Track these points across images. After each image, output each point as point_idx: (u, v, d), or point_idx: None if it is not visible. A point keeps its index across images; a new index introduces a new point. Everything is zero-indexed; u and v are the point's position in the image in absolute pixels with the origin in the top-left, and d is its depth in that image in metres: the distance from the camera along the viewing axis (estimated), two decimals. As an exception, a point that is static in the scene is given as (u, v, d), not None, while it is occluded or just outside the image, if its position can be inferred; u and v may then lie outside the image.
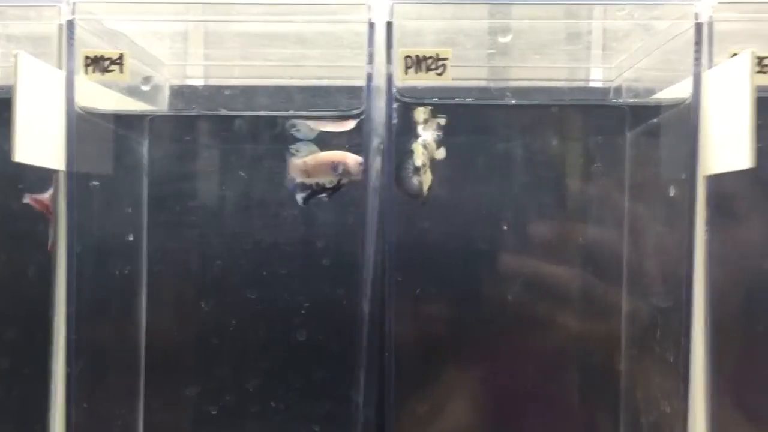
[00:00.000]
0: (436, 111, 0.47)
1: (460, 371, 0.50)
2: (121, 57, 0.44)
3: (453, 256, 0.50)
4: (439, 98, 0.45)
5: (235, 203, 0.53)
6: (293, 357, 0.50)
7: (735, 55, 0.39)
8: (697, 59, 0.43)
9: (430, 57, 0.43)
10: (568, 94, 0.58)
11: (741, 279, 0.47)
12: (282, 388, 0.50)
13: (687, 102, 0.43)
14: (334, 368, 0.47)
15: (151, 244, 0.54)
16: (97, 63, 0.44)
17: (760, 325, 0.47)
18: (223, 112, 0.54)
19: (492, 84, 0.57)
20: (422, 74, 0.43)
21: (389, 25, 0.43)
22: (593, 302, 0.52)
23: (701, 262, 0.42)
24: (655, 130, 0.49)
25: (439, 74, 0.43)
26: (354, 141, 0.47)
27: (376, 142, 0.45)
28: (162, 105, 0.58)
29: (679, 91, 0.45)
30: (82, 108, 0.45)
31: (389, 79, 0.43)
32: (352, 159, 0.47)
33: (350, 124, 0.47)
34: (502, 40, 0.46)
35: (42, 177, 0.46)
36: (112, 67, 0.44)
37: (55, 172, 0.44)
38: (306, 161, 0.49)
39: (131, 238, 0.52)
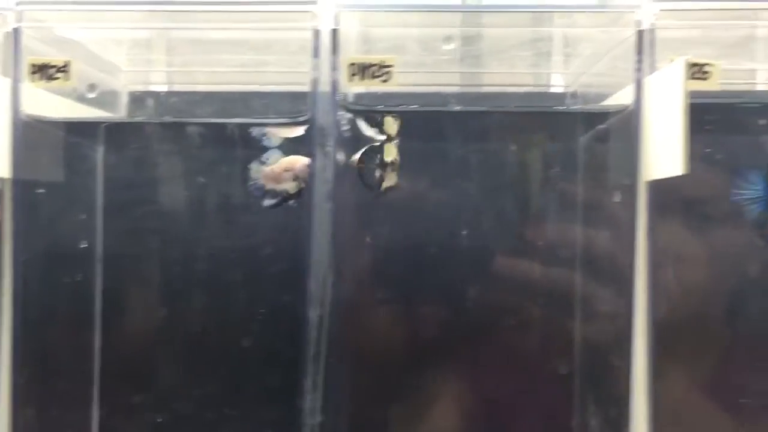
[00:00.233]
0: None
1: (409, 376, 0.50)
2: (66, 64, 0.44)
3: (402, 260, 0.50)
4: (384, 105, 0.46)
5: (189, 210, 0.53)
6: (243, 364, 0.50)
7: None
8: (639, 66, 0.43)
9: (375, 64, 0.43)
10: (527, 100, 0.59)
11: (684, 283, 0.48)
12: (231, 394, 0.50)
13: (630, 108, 0.44)
14: (283, 375, 0.47)
15: (106, 250, 0.54)
16: (42, 70, 0.44)
17: (703, 329, 0.47)
18: (168, 119, 0.54)
19: (461, 89, 0.58)
20: (367, 81, 0.44)
21: (334, 32, 0.44)
22: (549, 306, 0.52)
23: (643, 267, 0.42)
24: (603, 136, 0.49)
25: (384, 81, 0.44)
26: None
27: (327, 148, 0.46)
28: (120, 111, 0.58)
29: (623, 97, 0.45)
30: (28, 116, 0.45)
31: (334, 85, 0.44)
32: (300, 163, 0.47)
33: (299, 131, 0.47)
34: (446, 47, 0.46)
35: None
36: (58, 74, 0.44)
37: (0, 179, 0.44)
38: (273, 169, 0.50)
39: (85, 245, 0.52)
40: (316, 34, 0.44)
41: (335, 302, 0.43)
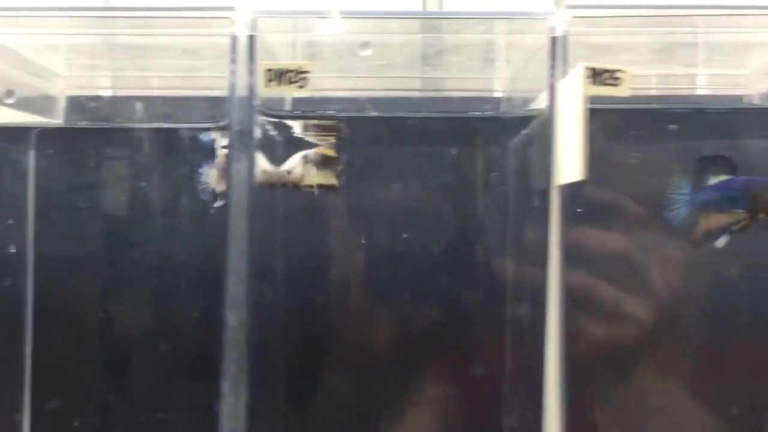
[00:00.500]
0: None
1: (326, 379, 0.50)
2: (-16, 70, 0.44)
3: (322, 262, 0.50)
4: (303, 111, 0.46)
5: (119, 215, 0.53)
6: (161, 369, 0.50)
7: (582, 68, 0.40)
8: (553, 72, 0.44)
9: (292, 70, 0.44)
10: (461, 105, 0.59)
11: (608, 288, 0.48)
12: (149, 400, 0.50)
13: (544, 114, 0.44)
14: (200, 379, 0.48)
15: (37, 256, 0.54)
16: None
17: (615, 333, 0.48)
18: (101, 124, 0.54)
19: (418, 94, 0.59)
20: (284, 86, 0.44)
21: (251, 38, 0.44)
22: (479, 309, 0.52)
23: (556, 270, 0.43)
24: (526, 141, 0.50)
25: (301, 86, 0.44)
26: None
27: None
28: (57, 116, 0.58)
29: (541, 102, 0.46)
30: (-52, 121, 0.45)
31: (251, 90, 0.44)
32: (218, 167, 0.47)
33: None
34: (363, 53, 0.46)
35: None
36: (-24, 80, 0.44)
37: None
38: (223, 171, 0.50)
39: (13, 250, 0.52)
40: (234, 39, 0.44)
41: (252, 305, 0.44)
